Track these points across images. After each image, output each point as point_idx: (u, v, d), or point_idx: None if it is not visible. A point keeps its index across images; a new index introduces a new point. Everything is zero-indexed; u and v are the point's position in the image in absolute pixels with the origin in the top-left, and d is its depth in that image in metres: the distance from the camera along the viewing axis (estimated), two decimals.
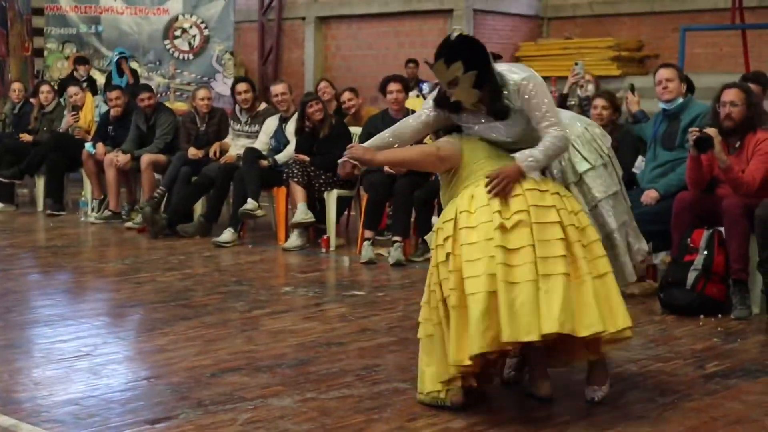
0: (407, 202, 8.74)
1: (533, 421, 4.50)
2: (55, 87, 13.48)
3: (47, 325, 6.39)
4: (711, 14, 17.30)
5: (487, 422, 4.41)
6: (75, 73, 14.58)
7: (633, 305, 6.98)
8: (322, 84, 12.08)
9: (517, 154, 4.62)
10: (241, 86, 10.55)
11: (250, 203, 9.29)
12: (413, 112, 6.60)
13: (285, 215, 9.68)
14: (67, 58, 16.42)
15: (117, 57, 14.92)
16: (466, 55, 4.65)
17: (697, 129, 6.62)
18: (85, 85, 13.57)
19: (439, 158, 4.90)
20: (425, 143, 5.47)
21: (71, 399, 4.80)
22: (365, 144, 5.07)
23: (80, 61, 14.63)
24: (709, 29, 15.91)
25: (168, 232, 9.97)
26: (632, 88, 8.72)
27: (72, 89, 12.63)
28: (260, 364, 5.36)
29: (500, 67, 4.86)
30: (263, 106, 10.98)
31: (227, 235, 9.44)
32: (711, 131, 6.56)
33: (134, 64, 15.88)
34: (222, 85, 15.28)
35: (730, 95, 6.72)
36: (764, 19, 17.04)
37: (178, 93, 16.41)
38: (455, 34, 4.79)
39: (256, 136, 10.27)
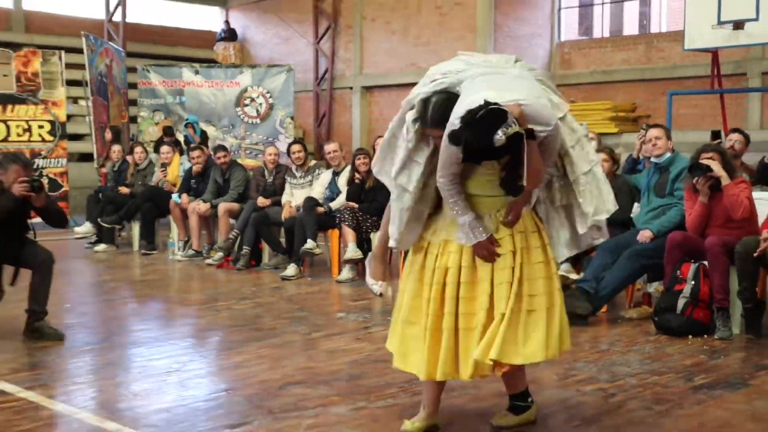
0: None
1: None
2: (147, 148, 13.62)
3: (143, 346, 6.46)
4: (694, 80, 17.30)
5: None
6: (165, 138, 14.76)
7: (632, 327, 7.01)
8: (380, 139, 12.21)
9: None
10: (295, 147, 10.72)
11: (310, 243, 9.34)
12: None
13: (338, 253, 9.69)
14: (156, 124, 16.59)
15: (186, 122, 15.17)
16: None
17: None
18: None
19: None
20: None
21: (164, 408, 4.86)
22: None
23: (167, 131, 14.80)
24: (692, 93, 15.84)
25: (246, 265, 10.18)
26: (646, 127, 8.49)
27: (164, 148, 12.77)
28: (319, 378, 5.38)
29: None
30: (313, 162, 11.20)
31: (291, 270, 9.47)
32: (709, 158, 6.63)
33: (211, 128, 16.11)
34: (284, 145, 15.32)
35: (706, 157, 6.70)
36: (738, 84, 17.18)
37: (248, 151, 16.54)
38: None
39: (310, 185, 10.36)
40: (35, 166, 13.58)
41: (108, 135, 15.41)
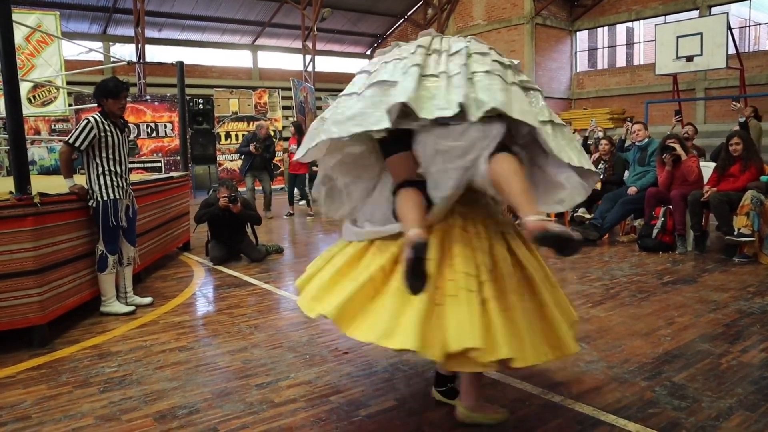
0: None
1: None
2: None
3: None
4: (662, 94, 16.98)
5: None
6: None
7: (623, 246, 6.77)
8: None
9: None
10: None
11: None
12: None
13: None
14: None
15: None
16: None
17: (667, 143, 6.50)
18: None
19: None
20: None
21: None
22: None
23: None
24: (660, 102, 15.42)
25: None
26: (631, 120, 8.40)
27: None
28: None
29: None
30: None
31: None
32: (672, 142, 6.46)
33: None
34: None
35: (671, 142, 6.52)
36: (690, 95, 16.63)
37: None
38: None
39: None
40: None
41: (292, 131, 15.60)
